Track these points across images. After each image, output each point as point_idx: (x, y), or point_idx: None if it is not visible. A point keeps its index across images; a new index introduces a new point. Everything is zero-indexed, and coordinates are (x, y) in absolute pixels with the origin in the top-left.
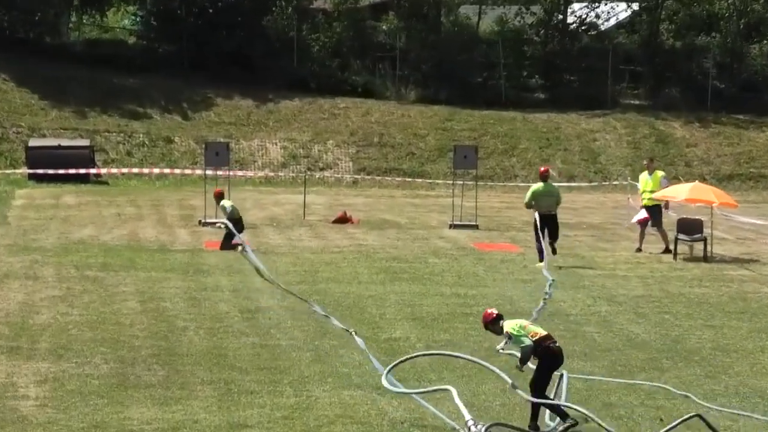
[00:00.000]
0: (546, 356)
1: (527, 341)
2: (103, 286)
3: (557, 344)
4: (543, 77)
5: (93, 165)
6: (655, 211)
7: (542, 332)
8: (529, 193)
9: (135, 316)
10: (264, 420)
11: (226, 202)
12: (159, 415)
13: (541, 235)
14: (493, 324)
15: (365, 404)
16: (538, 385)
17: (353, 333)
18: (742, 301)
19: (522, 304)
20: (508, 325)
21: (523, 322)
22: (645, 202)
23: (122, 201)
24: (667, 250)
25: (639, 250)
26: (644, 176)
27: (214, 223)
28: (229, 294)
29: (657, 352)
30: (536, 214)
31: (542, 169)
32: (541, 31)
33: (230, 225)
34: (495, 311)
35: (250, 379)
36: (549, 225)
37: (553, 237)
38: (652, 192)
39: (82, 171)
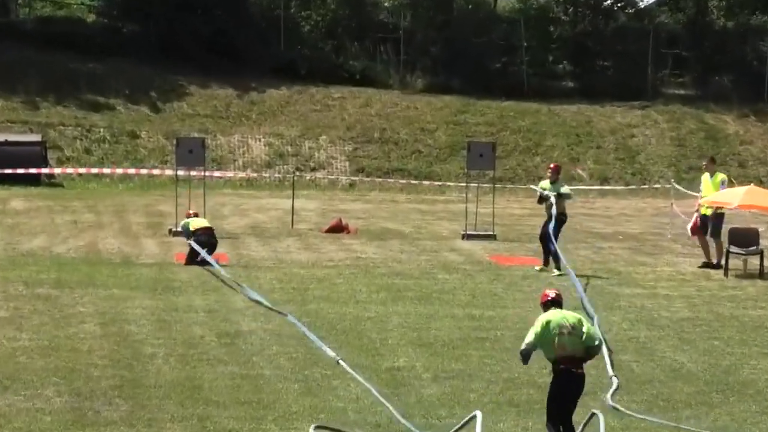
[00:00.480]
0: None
1: (530, 339)
2: (56, 306)
3: (579, 371)
4: (572, 63)
5: (45, 164)
6: (715, 218)
7: (569, 352)
8: (539, 190)
9: (94, 341)
10: None
11: (191, 220)
12: None
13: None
14: (544, 306)
15: None
16: (548, 415)
17: (340, 361)
18: None
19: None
20: (545, 317)
21: (568, 322)
22: (704, 210)
23: (79, 206)
24: (710, 265)
25: (709, 264)
26: (706, 178)
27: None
28: (204, 315)
29: (705, 385)
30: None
31: (553, 165)
32: (570, 9)
33: (194, 244)
34: (552, 295)
35: (228, 415)
36: (561, 227)
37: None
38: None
39: (33, 171)
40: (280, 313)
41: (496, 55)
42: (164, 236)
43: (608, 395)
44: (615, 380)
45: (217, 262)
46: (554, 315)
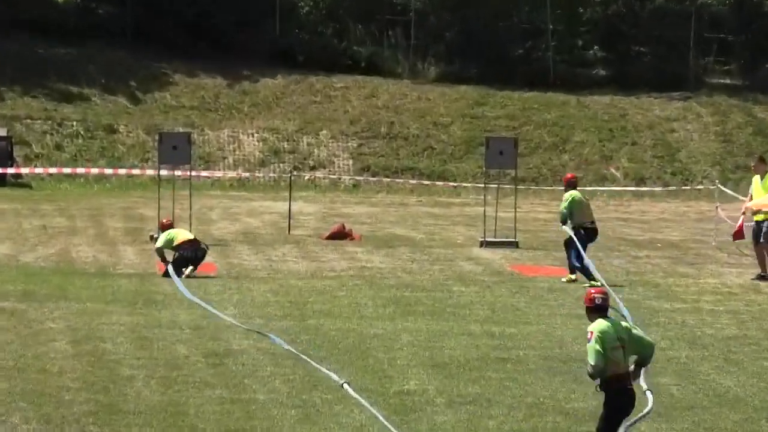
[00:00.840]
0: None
1: (596, 361)
2: (24, 322)
3: (630, 386)
4: (604, 49)
5: (11, 162)
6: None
7: (623, 368)
8: (566, 204)
9: (65, 362)
10: None
11: (170, 234)
12: None
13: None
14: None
15: None
16: None
17: (345, 385)
18: None
19: (576, 347)
20: (598, 329)
21: (620, 334)
22: (759, 216)
23: (49, 209)
24: (765, 277)
25: (765, 277)
26: (756, 180)
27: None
28: (189, 332)
29: (754, 411)
30: (571, 231)
31: (570, 175)
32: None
33: (170, 268)
34: (599, 298)
35: None
36: (592, 239)
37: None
38: None
39: None
40: (260, 333)
41: (519, 39)
42: (145, 243)
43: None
44: (650, 396)
45: (191, 274)
46: (605, 326)
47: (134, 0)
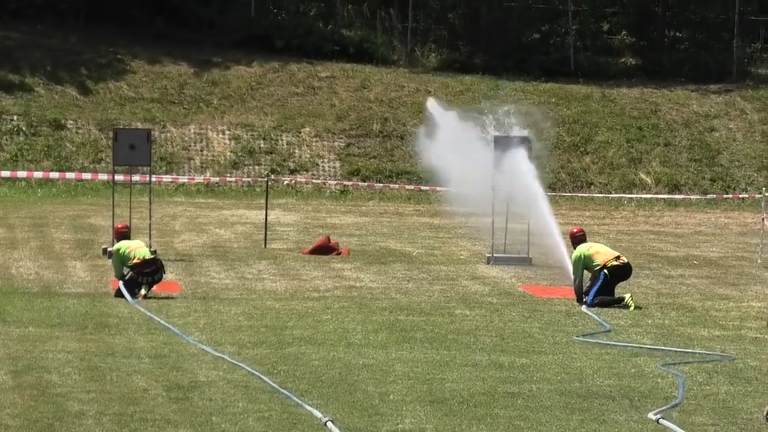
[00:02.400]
0: None
1: None
2: None
3: None
4: (634, 34)
5: None
6: None
7: None
8: (575, 268)
9: (4, 395)
10: None
11: (122, 246)
12: None
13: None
14: None
15: None
16: None
17: (329, 423)
18: None
19: (598, 380)
20: None
21: None
22: None
23: None
24: None
25: None
26: None
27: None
28: (149, 362)
29: None
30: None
31: (576, 229)
32: None
33: (122, 287)
34: None
35: None
36: (623, 277)
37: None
38: None
39: None
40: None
41: (535, 22)
42: (97, 258)
43: None
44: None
45: (144, 294)
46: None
47: None
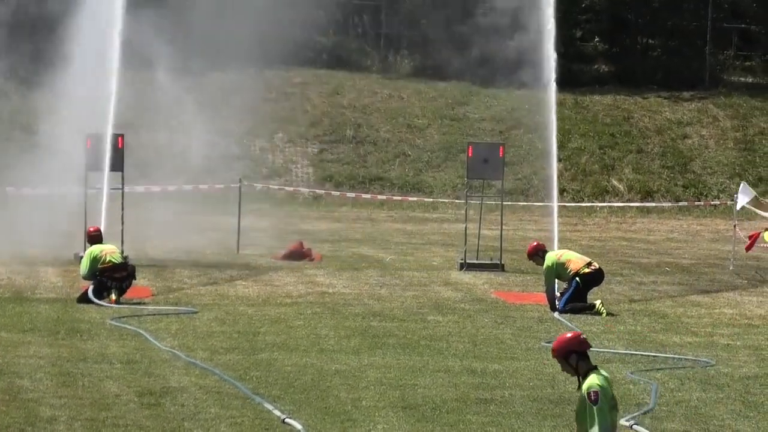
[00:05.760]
0: None
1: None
2: None
3: None
4: (606, 41)
5: None
6: None
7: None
8: (547, 276)
9: None
10: None
11: (95, 250)
12: None
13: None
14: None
15: None
16: None
17: (286, 420)
18: None
19: (570, 386)
20: (600, 382)
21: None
22: None
23: None
24: None
25: None
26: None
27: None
28: (121, 367)
29: None
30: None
31: (535, 243)
32: None
33: (90, 293)
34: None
35: None
36: (596, 283)
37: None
38: None
39: None
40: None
41: (507, 29)
42: (69, 264)
43: None
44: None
45: (115, 299)
46: (603, 380)
47: None
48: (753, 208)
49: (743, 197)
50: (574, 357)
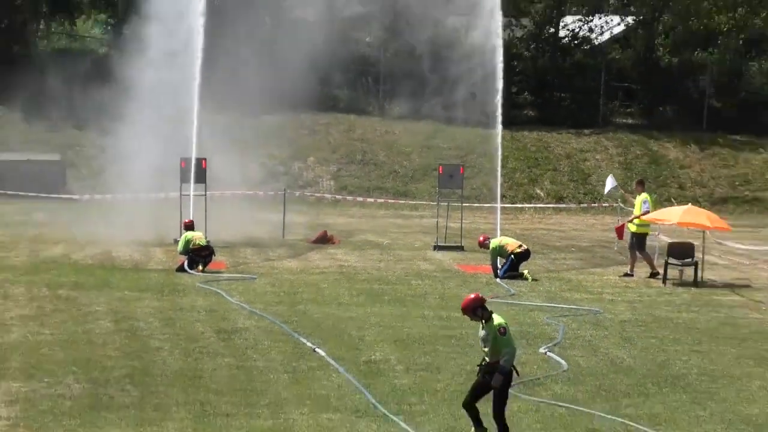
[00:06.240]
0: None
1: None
2: (75, 306)
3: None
4: (533, 94)
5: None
6: (637, 236)
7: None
8: (492, 253)
9: (108, 336)
10: None
11: (189, 235)
12: None
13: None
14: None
15: (344, 428)
16: (502, 407)
17: (316, 349)
18: (731, 326)
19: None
20: (502, 318)
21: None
22: (631, 226)
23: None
24: (653, 274)
25: (629, 274)
26: (638, 198)
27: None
28: (204, 314)
29: (642, 377)
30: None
31: (481, 238)
32: (532, 46)
33: (185, 266)
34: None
35: (225, 401)
36: (524, 259)
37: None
38: (642, 223)
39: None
40: (258, 313)
41: (468, 86)
42: (170, 245)
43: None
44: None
45: (201, 270)
46: (503, 320)
47: None
48: (620, 202)
49: (609, 184)
50: (479, 310)
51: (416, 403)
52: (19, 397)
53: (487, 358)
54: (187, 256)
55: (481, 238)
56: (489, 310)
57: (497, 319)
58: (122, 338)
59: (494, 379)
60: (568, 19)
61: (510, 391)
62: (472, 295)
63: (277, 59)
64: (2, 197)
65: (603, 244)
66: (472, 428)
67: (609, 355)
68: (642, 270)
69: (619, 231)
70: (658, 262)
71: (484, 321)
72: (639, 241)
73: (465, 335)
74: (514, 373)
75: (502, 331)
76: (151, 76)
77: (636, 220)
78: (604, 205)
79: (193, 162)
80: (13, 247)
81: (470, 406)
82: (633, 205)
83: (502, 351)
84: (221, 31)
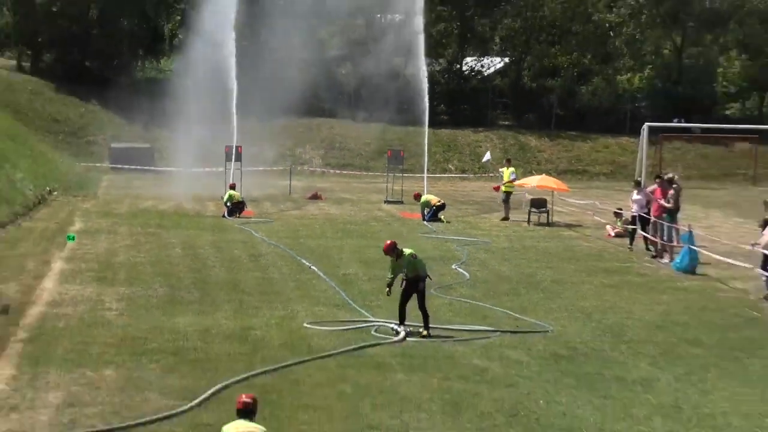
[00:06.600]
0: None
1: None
2: (159, 239)
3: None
4: (447, 106)
5: (153, 162)
6: (509, 195)
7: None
8: (421, 203)
9: (180, 258)
10: (263, 324)
11: (231, 192)
12: (196, 321)
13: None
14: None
15: (330, 315)
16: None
17: (311, 267)
18: (570, 251)
19: (430, 251)
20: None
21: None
22: (504, 188)
23: (168, 185)
24: (504, 219)
25: (506, 218)
26: (506, 171)
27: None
28: (240, 245)
29: (516, 284)
30: (430, 211)
31: (416, 193)
32: (445, 76)
33: (226, 214)
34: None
35: (254, 300)
36: (442, 210)
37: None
38: (510, 185)
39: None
40: (273, 243)
41: (404, 96)
42: (218, 200)
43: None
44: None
45: (237, 216)
46: (412, 250)
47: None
48: (493, 171)
49: (486, 156)
50: (397, 249)
51: (374, 300)
52: (124, 297)
53: (406, 278)
54: (228, 207)
55: (416, 194)
56: (400, 248)
57: (407, 251)
58: (189, 260)
59: (420, 285)
60: (468, 59)
61: (431, 291)
62: (388, 242)
63: (284, 82)
64: (117, 171)
65: (490, 200)
66: (421, 329)
67: (495, 269)
68: (516, 216)
69: (497, 189)
70: (524, 211)
71: (397, 257)
72: (507, 197)
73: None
74: (429, 278)
75: (414, 256)
76: (203, 91)
77: (506, 186)
78: (490, 175)
79: (234, 148)
80: (120, 201)
81: (402, 307)
82: (503, 174)
83: (419, 268)
84: (249, 62)
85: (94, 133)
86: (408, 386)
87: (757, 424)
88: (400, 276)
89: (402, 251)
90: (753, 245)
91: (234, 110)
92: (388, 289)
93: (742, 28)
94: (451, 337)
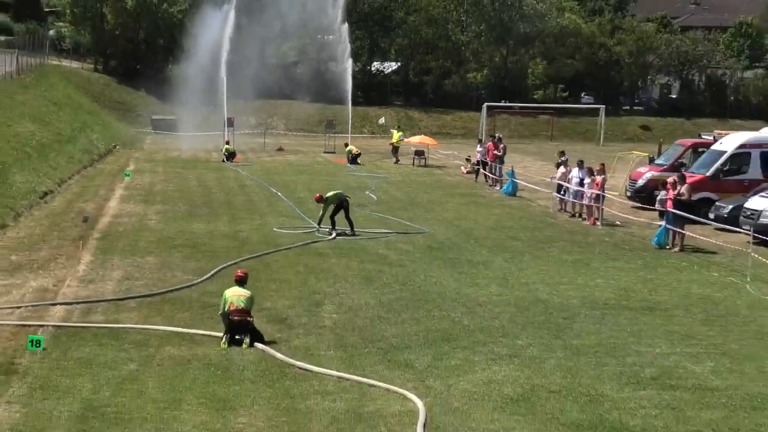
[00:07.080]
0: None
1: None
2: (180, 176)
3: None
4: (362, 92)
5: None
6: (398, 148)
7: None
8: (349, 150)
9: (194, 188)
10: (248, 229)
11: (226, 146)
12: (204, 227)
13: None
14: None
15: (289, 223)
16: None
17: (278, 193)
18: (439, 182)
19: (353, 183)
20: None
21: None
22: (395, 143)
23: (187, 142)
24: (396, 161)
25: (397, 161)
26: (395, 133)
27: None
28: (233, 179)
29: (404, 204)
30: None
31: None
32: (361, 74)
33: (225, 159)
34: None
35: (242, 213)
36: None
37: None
38: (398, 141)
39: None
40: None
41: (336, 89)
42: (218, 151)
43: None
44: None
45: (231, 162)
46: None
47: None
48: (384, 132)
49: (381, 121)
50: (323, 199)
51: (317, 214)
52: (160, 212)
53: (335, 204)
54: (225, 156)
55: (318, 196)
56: (325, 197)
57: (330, 194)
58: (200, 189)
59: (344, 203)
60: (375, 63)
61: (355, 208)
62: (317, 195)
63: (260, 77)
64: (156, 134)
65: (387, 154)
66: (347, 230)
67: (392, 194)
68: (405, 161)
69: (392, 146)
70: (410, 157)
71: (324, 203)
72: (395, 149)
73: (343, 187)
74: (349, 198)
75: (336, 193)
76: (206, 78)
77: (395, 142)
78: (387, 136)
79: (226, 119)
80: (158, 152)
81: (332, 218)
82: (392, 134)
83: (341, 196)
84: (237, 64)
85: (141, 109)
86: (338, 267)
87: (555, 289)
88: (331, 207)
89: (326, 197)
90: (551, 178)
91: (224, 95)
92: (319, 221)
93: (544, 44)
94: (365, 236)
